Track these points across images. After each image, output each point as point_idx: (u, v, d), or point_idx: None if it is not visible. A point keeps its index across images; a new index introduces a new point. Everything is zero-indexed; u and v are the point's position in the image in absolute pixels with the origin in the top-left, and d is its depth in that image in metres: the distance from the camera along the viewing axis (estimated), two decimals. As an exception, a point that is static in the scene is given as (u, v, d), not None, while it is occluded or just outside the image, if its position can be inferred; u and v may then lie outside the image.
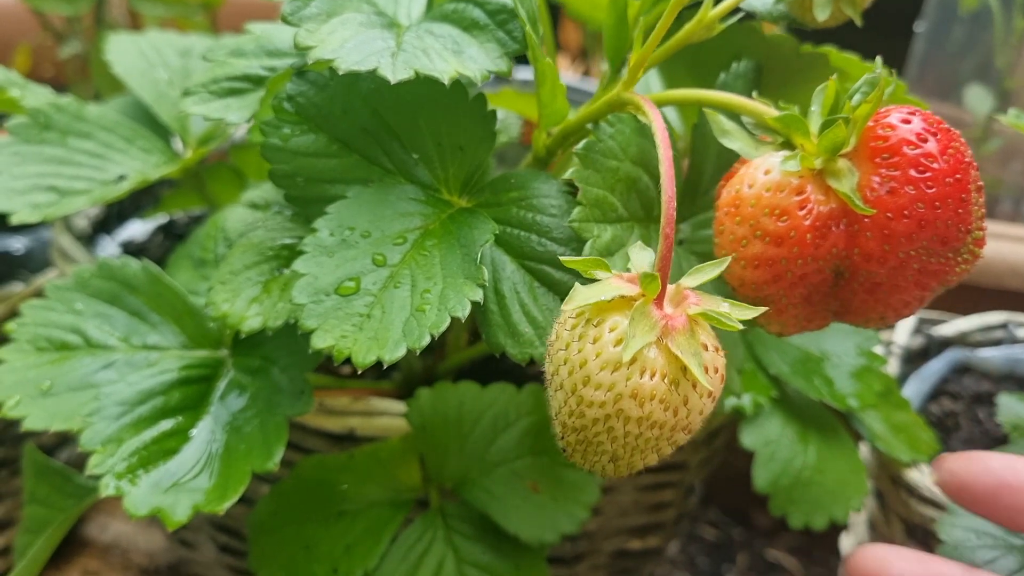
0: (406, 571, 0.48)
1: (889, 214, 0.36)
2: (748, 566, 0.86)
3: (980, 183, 0.38)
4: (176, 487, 0.41)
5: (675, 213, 0.35)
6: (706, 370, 0.33)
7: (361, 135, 0.42)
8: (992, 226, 0.80)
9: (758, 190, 0.38)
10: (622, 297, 0.34)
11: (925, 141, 0.36)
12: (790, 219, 0.37)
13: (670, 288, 0.35)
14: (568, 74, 1.12)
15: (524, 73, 0.72)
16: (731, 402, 0.56)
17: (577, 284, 0.35)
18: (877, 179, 0.36)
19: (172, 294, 0.50)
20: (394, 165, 0.43)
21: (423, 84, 0.41)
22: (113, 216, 0.72)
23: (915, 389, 0.70)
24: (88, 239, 0.69)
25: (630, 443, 0.34)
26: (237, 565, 0.64)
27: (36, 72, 1.09)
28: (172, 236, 0.76)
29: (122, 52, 0.64)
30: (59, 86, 0.69)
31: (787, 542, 0.89)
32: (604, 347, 0.33)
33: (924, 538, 0.59)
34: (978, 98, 0.98)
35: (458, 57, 0.38)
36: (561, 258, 0.36)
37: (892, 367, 0.70)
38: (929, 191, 0.36)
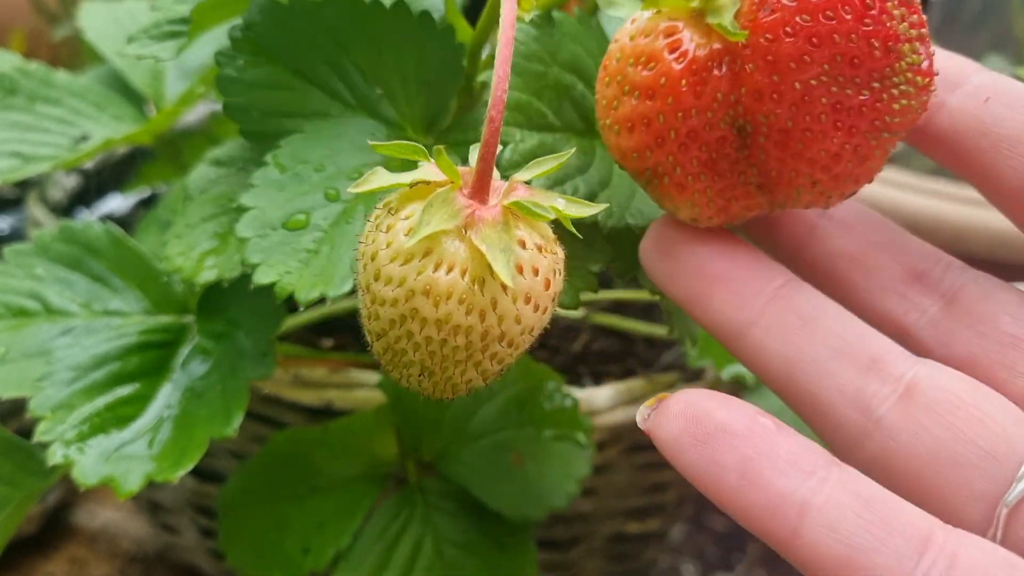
0: (381, 550, 0.45)
1: (768, 35, 0.30)
2: (760, 556, 0.82)
3: None
4: (128, 455, 0.39)
5: (505, 94, 0.30)
6: (520, 269, 0.29)
7: (322, 67, 0.40)
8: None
9: (623, 40, 0.32)
10: (426, 183, 0.30)
11: None
12: (658, 64, 0.31)
13: (501, 182, 0.31)
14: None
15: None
16: (732, 371, 0.53)
17: (379, 168, 0.31)
18: (756, 1, 0.30)
19: (136, 258, 0.48)
20: (356, 100, 0.40)
21: (389, 14, 0.38)
22: (92, 190, 0.70)
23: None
24: (64, 211, 0.66)
25: (435, 352, 0.29)
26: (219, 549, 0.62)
27: (32, 56, 1.08)
28: (154, 211, 0.74)
29: (95, 19, 0.62)
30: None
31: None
32: (395, 236, 0.29)
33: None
34: (996, 69, 0.94)
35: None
36: (370, 141, 0.31)
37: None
38: None
